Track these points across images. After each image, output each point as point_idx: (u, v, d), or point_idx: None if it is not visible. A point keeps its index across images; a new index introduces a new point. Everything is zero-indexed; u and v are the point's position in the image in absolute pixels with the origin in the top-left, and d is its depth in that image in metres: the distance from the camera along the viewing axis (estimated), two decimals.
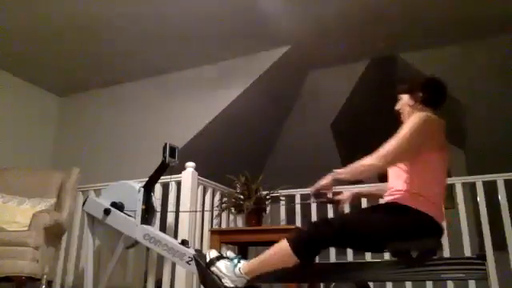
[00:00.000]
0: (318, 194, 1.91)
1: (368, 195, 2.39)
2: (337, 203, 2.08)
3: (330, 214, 3.42)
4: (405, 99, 1.98)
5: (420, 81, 1.97)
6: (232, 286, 1.81)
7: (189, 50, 4.28)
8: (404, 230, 1.73)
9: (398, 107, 2.02)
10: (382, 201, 2.00)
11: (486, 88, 4.33)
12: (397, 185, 1.84)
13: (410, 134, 1.75)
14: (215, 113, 4.39)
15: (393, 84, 5.36)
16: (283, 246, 1.77)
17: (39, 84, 4.92)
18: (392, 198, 1.84)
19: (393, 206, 1.79)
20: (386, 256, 3.05)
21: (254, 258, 1.86)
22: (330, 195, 1.96)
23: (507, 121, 4.38)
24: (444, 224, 1.81)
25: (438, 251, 1.78)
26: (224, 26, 3.86)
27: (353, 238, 1.79)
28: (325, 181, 1.86)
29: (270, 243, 3.10)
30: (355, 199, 2.17)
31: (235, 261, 1.88)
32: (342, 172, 1.82)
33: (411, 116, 1.84)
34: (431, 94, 1.93)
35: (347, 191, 2.15)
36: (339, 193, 2.12)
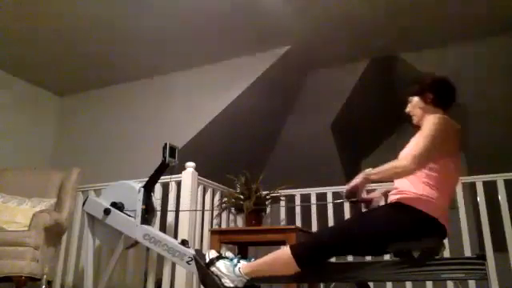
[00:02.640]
0: (351, 194, 1.87)
1: None
2: (368, 202, 2.05)
3: (331, 214, 3.42)
4: (415, 101, 1.96)
5: (429, 81, 1.95)
6: (232, 285, 1.82)
7: (189, 50, 4.28)
8: (404, 230, 1.73)
9: (408, 109, 2.00)
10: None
11: (486, 88, 4.33)
12: (403, 185, 1.83)
13: (434, 134, 1.74)
14: (215, 113, 4.39)
15: (393, 84, 5.39)
16: (286, 253, 1.78)
17: (39, 84, 4.92)
18: (396, 197, 1.84)
19: (395, 206, 1.80)
20: (386, 256, 3.06)
21: (255, 260, 1.88)
22: (363, 195, 1.94)
23: (507, 121, 4.38)
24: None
25: (441, 252, 1.78)
26: (224, 26, 3.86)
27: (355, 245, 1.80)
28: (356, 181, 1.83)
29: (270, 243, 3.09)
30: (386, 197, 2.14)
31: (235, 261, 1.89)
32: (373, 173, 1.80)
33: (425, 117, 1.84)
34: (441, 95, 1.91)
35: (378, 190, 2.14)
36: (370, 191, 2.12)
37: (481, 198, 3.03)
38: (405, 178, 1.83)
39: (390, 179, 1.82)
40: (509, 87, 4.20)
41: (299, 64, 4.55)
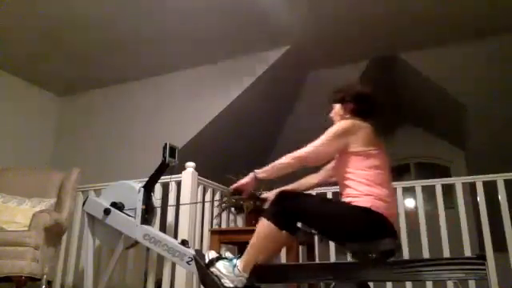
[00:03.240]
0: (236, 192, 2.05)
1: None
2: (262, 201, 2.25)
3: None
4: (337, 108, 2.11)
5: (351, 92, 2.07)
6: (232, 285, 1.83)
7: (189, 50, 4.28)
8: (361, 231, 1.78)
9: (331, 115, 2.14)
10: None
11: (486, 88, 4.33)
12: (348, 189, 1.89)
13: (326, 138, 1.91)
14: (215, 113, 4.39)
15: (393, 84, 5.38)
16: (263, 224, 1.85)
17: (39, 84, 4.92)
18: (348, 200, 1.87)
19: (353, 207, 1.83)
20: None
21: (244, 252, 1.91)
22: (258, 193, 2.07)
23: (507, 121, 4.38)
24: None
25: (397, 253, 1.83)
26: (224, 26, 3.86)
27: (313, 223, 1.90)
28: (245, 180, 2.01)
29: None
30: None
31: (234, 261, 1.90)
32: (261, 172, 1.98)
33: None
34: (361, 106, 2.04)
35: (274, 191, 2.25)
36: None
37: (481, 198, 3.03)
38: (344, 180, 1.90)
39: (277, 176, 1.97)
40: (509, 87, 4.20)
41: (299, 64, 4.55)
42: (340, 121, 2.01)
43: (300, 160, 1.92)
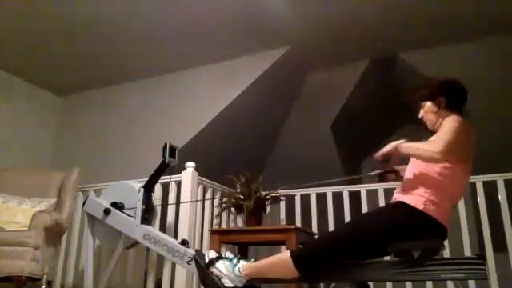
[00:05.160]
0: (383, 161, 1.85)
1: None
2: (398, 174, 2.01)
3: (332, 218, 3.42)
4: (427, 106, 1.91)
5: (439, 84, 1.90)
6: (231, 285, 1.83)
7: (189, 50, 4.28)
8: (403, 230, 1.72)
9: (421, 115, 1.94)
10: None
11: (486, 88, 4.33)
12: (412, 186, 1.79)
13: (456, 132, 1.69)
14: (215, 113, 4.39)
15: (393, 84, 5.37)
16: (285, 257, 1.79)
17: (39, 84, 4.92)
18: (403, 198, 1.80)
19: (395, 206, 1.78)
20: (386, 256, 3.06)
21: (256, 262, 1.88)
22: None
23: (507, 121, 4.38)
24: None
25: (441, 252, 1.78)
26: (224, 26, 3.86)
27: (354, 249, 1.78)
28: (389, 148, 1.80)
29: (270, 243, 3.09)
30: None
31: (234, 261, 1.90)
32: (404, 146, 1.77)
33: (442, 121, 1.80)
34: (454, 97, 1.87)
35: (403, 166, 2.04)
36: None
37: (481, 198, 3.03)
38: (414, 177, 1.80)
39: (412, 157, 1.81)
40: (508, 87, 4.20)
41: (299, 64, 4.55)
42: (437, 119, 1.85)
43: (443, 155, 1.65)
